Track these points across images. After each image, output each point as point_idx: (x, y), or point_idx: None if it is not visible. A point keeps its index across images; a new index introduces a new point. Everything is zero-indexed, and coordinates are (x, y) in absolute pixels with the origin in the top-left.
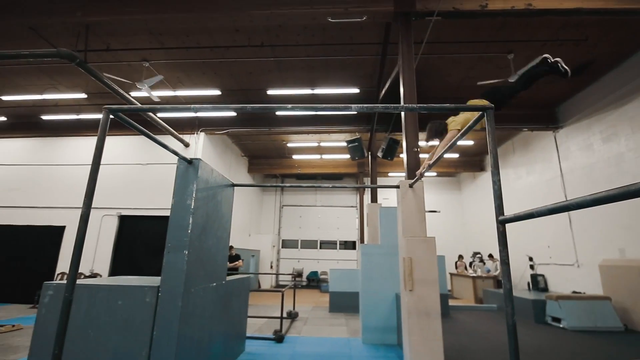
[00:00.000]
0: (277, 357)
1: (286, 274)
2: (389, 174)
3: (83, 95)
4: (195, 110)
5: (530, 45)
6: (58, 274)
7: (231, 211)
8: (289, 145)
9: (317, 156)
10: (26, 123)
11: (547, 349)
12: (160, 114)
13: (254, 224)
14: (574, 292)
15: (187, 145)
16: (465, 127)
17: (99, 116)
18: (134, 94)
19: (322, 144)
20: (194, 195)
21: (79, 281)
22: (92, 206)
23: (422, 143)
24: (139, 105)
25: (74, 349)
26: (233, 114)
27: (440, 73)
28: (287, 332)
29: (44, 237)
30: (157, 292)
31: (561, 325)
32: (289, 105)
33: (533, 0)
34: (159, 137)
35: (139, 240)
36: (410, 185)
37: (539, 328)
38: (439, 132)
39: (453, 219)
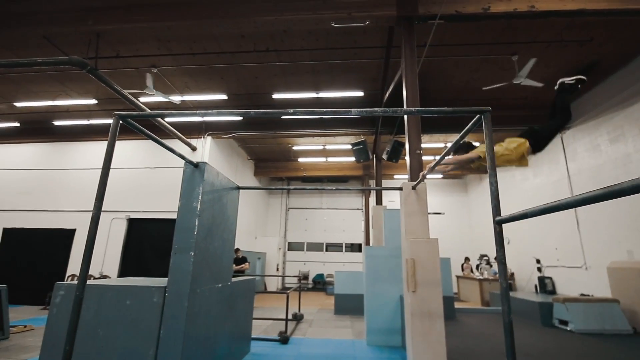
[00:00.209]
0: (281, 358)
1: (292, 276)
2: (395, 177)
3: (93, 101)
4: (202, 115)
5: (535, 46)
6: (68, 276)
7: (237, 213)
8: (294, 148)
9: (323, 159)
10: (38, 128)
11: (553, 351)
12: (168, 119)
13: (260, 226)
14: (582, 294)
15: (194, 149)
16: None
17: (109, 121)
18: (142, 99)
19: (328, 147)
20: (199, 198)
21: (89, 282)
22: (102, 209)
23: (424, 145)
24: (148, 111)
25: (84, 347)
26: (239, 118)
27: (445, 75)
28: (292, 333)
29: (54, 240)
30: (164, 293)
31: (568, 328)
32: (291, 110)
33: (536, 2)
34: (167, 142)
35: (147, 243)
36: (413, 187)
37: (545, 331)
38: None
39: (460, 221)
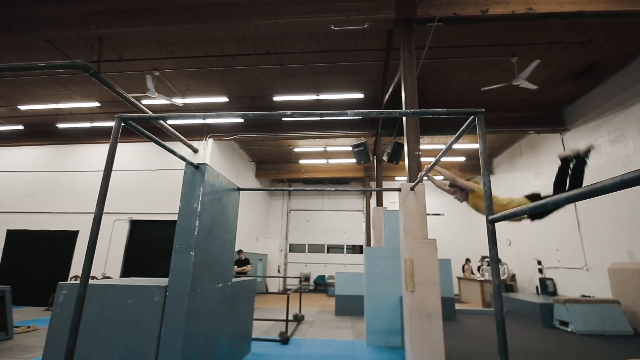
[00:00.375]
0: (281, 358)
1: (293, 277)
2: (395, 178)
3: (96, 104)
4: (202, 117)
5: (534, 48)
6: (71, 277)
7: (237, 214)
8: (295, 150)
9: (324, 161)
10: (41, 131)
11: (554, 352)
12: (169, 121)
13: (262, 228)
14: (583, 295)
15: (195, 151)
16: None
17: (111, 124)
18: (145, 102)
19: (329, 149)
20: (200, 199)
21: (91, 282)
22: (105, 211)
23: (422, 146)
24: (150, 113)
25: (86, 346)
26: (240, 120)
27: (444, 77)
28: (293, 334)
29: (57, 241)
30: (165, 292)
31: (569, 329)
32: (289, 112)
33: (534, 5)
34: (169, 144)
35: (149, 244)
36: (412, 188)
37: (546, 332)
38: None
39: (461, 222)
